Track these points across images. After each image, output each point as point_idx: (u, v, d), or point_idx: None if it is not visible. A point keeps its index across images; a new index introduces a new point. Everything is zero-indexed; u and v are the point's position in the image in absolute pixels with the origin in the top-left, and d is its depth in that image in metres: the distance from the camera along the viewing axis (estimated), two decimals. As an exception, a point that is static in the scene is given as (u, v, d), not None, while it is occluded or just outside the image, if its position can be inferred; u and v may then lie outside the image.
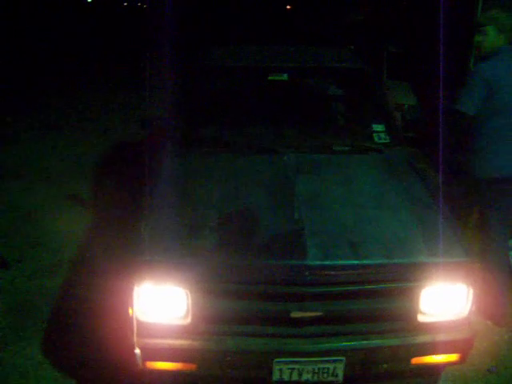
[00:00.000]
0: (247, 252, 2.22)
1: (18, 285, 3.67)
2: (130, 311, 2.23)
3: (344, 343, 2.24)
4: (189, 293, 2.17)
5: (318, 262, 2.16)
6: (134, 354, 2.24)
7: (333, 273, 2.18)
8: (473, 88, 3.11)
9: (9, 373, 2.86)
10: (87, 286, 3.54)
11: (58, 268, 3.86)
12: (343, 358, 2.22)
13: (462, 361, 2.38)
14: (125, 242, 2.62)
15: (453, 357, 2.35)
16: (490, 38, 3.17)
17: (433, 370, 2.51)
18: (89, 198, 5.09)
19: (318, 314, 2.19)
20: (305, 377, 2.24)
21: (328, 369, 2.24)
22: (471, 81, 3.14)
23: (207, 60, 3.75)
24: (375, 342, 2.25)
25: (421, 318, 2.27)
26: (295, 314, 2.18)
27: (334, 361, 2.23)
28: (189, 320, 2.21)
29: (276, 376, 2.23)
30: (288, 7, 24.33)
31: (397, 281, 2.22)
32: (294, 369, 2.23)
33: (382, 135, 3.22)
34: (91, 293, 3.44)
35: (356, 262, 2.19)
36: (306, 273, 2.14)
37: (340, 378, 2.26)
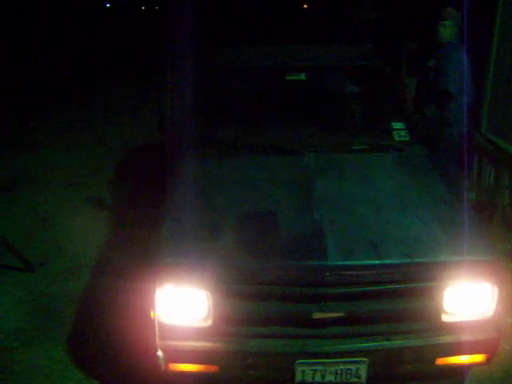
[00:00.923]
0: (267, 253, 2.22)
1: (43, 288, 3.72)
2: (152, 313, 2.24)
3: (367, 344, 2.22)
4: (210, 294, 2.18)
5: (338, 263, 2.15)
6: (157, 356, 2.25)
7: (354, 273, 2.16)
8: None
9: (34, 374, 2.90)
10: (109, 288, 3.57)
11: (80, 271, 3.90)
12: (366, 359, 2.20)
13: (487, 361, 2.34)
14: (145, 244, 2.64)
15: (478, 357, 2.32)
16: (448, 29, 4.15)
17: (458, 371, 2.47)
18: (109, 200, 5.13)
19: (340, 314, 2.17)
20: (328, 378, 2.23)
21: (351, 370, 2.22)
22: None
23: (224, 61, 3.75)
24: (398, 342, 2.22)
25: (445, 318, 2.24)
26: (317, 315, 2.17)
27: (357, 362, 2.21)
28: (210, 322, 2.21)
29: (298, 377, 2.22)
30: (305, 6, 24.27)
31: (419, 280, 2.20)
32: (316, 370, 2.21)
33: (402, 133, 3.18)
34: (113, 295, 3.46)
35: (377, 261, 2.17)
36: (327, 273, 2.12)
37: (363, 379, 2.24)
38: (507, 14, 4.63)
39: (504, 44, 4.69)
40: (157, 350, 2.25)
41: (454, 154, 4.16)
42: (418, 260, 2.19)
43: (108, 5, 28.80)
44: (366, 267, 2.16)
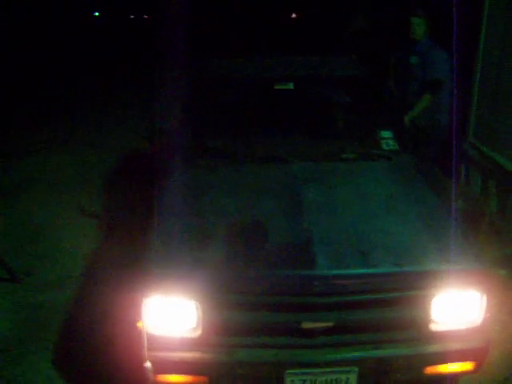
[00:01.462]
0: (257, 263, 2.21)
1: (28, 299, 3.67)
2: (140, 324, 2.22)
3: (356, 353, 2.22)
4: (199, 304, 2.16)
5: (327, 272, 2.14)
6: (145, 368, 2.22)
7: (342, 282, 2.16)
8: None
9: (21, 388, 2.86)
10: (97, 299, 3.53)
11: (67, 281, 3.85)
12: (356, 368, 2.20)
13: (476, 370, 2.34)
14: (134, 255, 2.62)
15: (467, 366, 2.32)
16: (421, 27, 4.45)
17: (447, 380, 2.47)
18: (98, 210, 5.09)
19: (329, 324, 2.17)
20: (317, 388, 2.22)
21: (341, 379, 2.21)
22: None
23: (213, 71, 3.76)
24: (387, 351, 2.23)
25: (433, 327, 2.24)
26: (306, 325, 2.16)
27: (347, 371, 2.20)
28: (199, 332, 2.19)
29: (288, 387, 2.21)
30: (293, 16, 24.41)
31: (408, 289, 2.20)
32: (306, 380, 2.20)
33: (391, 142, 3.20)
34: (101, 306, 3.43)
35: (366, 270, 2.17)
36: (316, 283, 2.12)
37: (353, 388, 2.23)
38: (493, 22, 4.70)
39: (490, 52, 4.76)
40: (145, 362, 2.22)
41: (444, 148, 4.24)
42: (406, 269, 2.19)
43: (97, 14, 28.76)
44: (354, 276, 2.17)
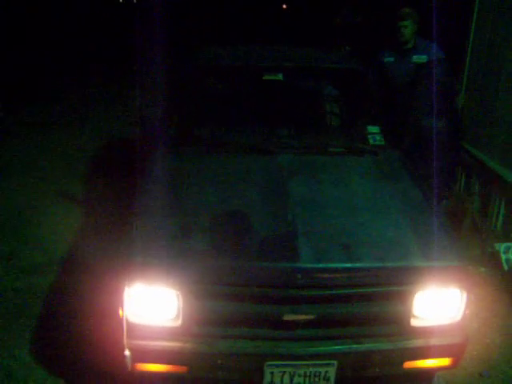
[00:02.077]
0: (239, 254, 2.20)
1: (8, 283, 3.62)
2: (121, 312, 2.20)
3: (336, 347, 2.22)
4: (180, 294, 2.15)
5: (310, 265, 2.14)
6: (124, 356, 2.21)
7: (325, 275, 2.16)
8: None
9: (-3, 373, 2.83)
10: (78, 285, 3.50)
11: (48, 267, 3.81)
12: (335, 362, 2.21)
13: (454, 365, 2.37)
14: (116, 242, 2.59)
15: (445, 361, 2.34)
16: (409, 28, 4.33)
17: (425, 375, 2.50)
18: (81, 196, 5.05)
19: (311, 317, 2.17)
20: (296, 380, 2.22)
21: (320, 372, 2.22)
22: None
23: (201, 59, 3.71)
24: (367, 345, 2.23)
25: (414, 322, 2.25)
26: (287, 317, 2.16)
27: (326, 364, 2.21)
28: (180, 322, 2.18)
29: (267, 379, 2.21)
30: (284, 7, 24.28)
31: (390, 284, 2.21)
32: (285, 372, 2.21)
33: (377, 137, 3.20)
34: (82, 293, 3.40)
35: (349, 264, 2.17)
36: (299, 275, 2.11)
37: (332, 381, 2.24)
38: (481, 28, 4.73)
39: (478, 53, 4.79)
40: (124, 350, 2.20)
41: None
42: (389, 264, 2.20)
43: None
44: (337, 270, 2.17)
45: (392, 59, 4.48)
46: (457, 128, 4.31)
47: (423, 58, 4.36)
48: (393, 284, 2.20)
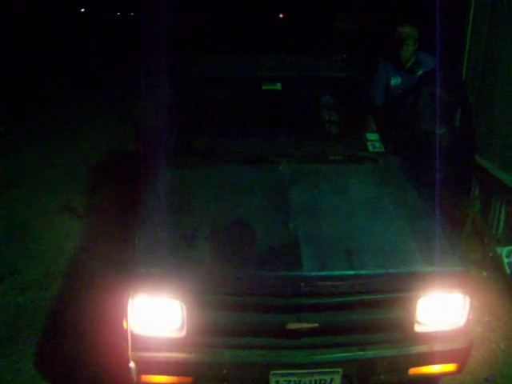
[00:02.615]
0: (242, 263, 2.21)
1: (11, 297, 3.63)
2: (125, 324, 2.21)
3: (341, 354, 2.22)
4: (183, 305, 2.15)
5: (313, 273, 2.15)
6: (129, 368, 2.21)
7: (328, 283, 2.16)
8: None
9: (1, 388, 2.83)
10: (82, 298, 3.50)
11: (51, 280, 3.82)
12: (340, 370, 2.21)
13: (459, 370, 2.36)
14: (119, 254, 2.60)
15: (450, 366, 2.34)
16: (410, 48, 4.17)
17: (430, 380, 2.50)
18: (83, 208, 5.06)
19: (315, 325, 2.17)
20: (301, 388, 2.22)
21: (325, 380, 2.21)
22: None
23: (200, 70, 3.74)
24: (372, 352, 2.23)
25: (417, 328, 2.25)
26: (291, 326, 2.16)
27: (331, 372, 2.21)
28: (184, 332, 2.18)
29: (273, 388, 2.21)
30: (281, 16, 24.43)
31: (393, 291, 2.21)
32: (290, 381, 2.20)
33: (377, 144, 3.22)
34: (86, 305, 3.40)
35: (351, 272, 2.18)
36: (302, 284, 2.12)
37: (337, 389, 2.24)
38: (477, 34, 4.76)
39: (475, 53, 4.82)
40: (129, 362, 2.21)
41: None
42: (391, 271, 2.20)
43: (82, 10, 28.45)
44: (340, 278, 2.17)
45: (399, 80, 4.31)
46: (467, 138, 4.18)
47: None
48: (396, 290, 2.20)
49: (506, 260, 3.93)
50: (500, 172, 4.30)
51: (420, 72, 4.20)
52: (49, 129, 7.84)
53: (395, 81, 4.33)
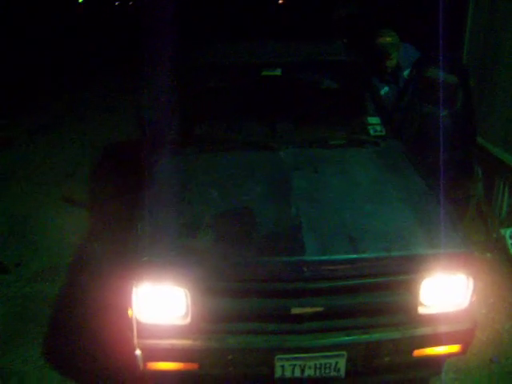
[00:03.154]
0: (245, 249, 2.21)
1: (17, 289, 3.66)
2: (130, 312, 2.22)
3: (345, 338, 2.23)
4: (188, 292, 2.16)
5: (316, 258, 2.15)
6: (135, 356, 2.23)
7: (331, 267, 2.17)
8: None
9: (9, 379, 2.85)
10: (87, 288, 3.53)
11: (56, 271, 3.84)
12: (345, 353, 2.22)
13: (463, 352, 2.37)
14: (123, 243, 2.61)
15: (454, 348, 2.35)
16: (395, 58, 3.99)
17: (435, 362, 2.50)
18: (86, 199, 5.07)
19: (319, 309, 2.18)
20: (307, 372, 2.24)
21: (330, 364, 2.23)
22: None
23: (200, 57, 3.73)
24: (376, 335, 2.24)
25: (421, 310, 2.26)
26: (295, 310, 2.17)
27: (336, 356, 2.22)
28: (189, 319, 2.20)
29: (278, 373, 2.23)
30: (280, 1, 24.21)
31: (396, 273, 2.21)
32: (295, 365, 2.22)
33: (378, 128, 3.21)
34: (91, 295, 3.42)
35: (354, 256, 2.18)
36: (305, 268, 2.13)
37: (342, 372, 2.25)
38: (478, 14, 4.71)
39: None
40: (135, 349, 2.22)
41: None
42: (394, 253, 2.20)
43: (80, 0, 28.24)
44: (343, 261, 2.17)
45: (387, 89, 4.12)
46: (468, 120, 4.14)
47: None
48: (399, 273, 2.20)
49: (509, 241, 3.92)
50: (503, 153, 4.28)
51: (406, 72, 3.99)
52: (50, 122, 7.83)
53: (384, 90, 4.13)
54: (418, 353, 2.30)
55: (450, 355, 2.45)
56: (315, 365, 2.22)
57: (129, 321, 2.24)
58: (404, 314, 2.26)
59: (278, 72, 3.43)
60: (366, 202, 2.53)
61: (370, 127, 3.22)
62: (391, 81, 4.12)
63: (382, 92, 4.09)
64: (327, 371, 2.24)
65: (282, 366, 2.22)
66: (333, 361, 2.22)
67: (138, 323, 2.21)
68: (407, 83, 3.70)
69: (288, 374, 2.23)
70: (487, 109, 4.53)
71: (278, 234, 2.27)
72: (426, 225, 2.35)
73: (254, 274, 2.16)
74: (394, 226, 2.35)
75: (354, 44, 4.55)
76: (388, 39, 3.97)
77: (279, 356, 2.20)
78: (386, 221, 2.38)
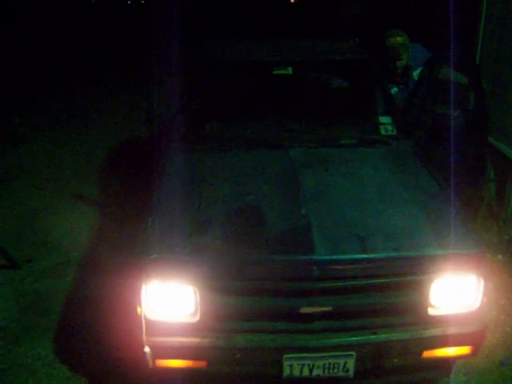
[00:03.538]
0: (254, 248, 2.21)
1: (28, 285, 3.68)
2: (139, 310, 2.23)
3: (354, 338, 2.23)
4: (197, 290, 2.16)
5: (325, 257, 2.15)
6: (144, 353, 2.23)
7: (341, 267, 2.16)
8: None
9: (20, 372, 2.88)
10: (96, 285, 3.54)
11: (66, 267, 3.87)
12: (353, 353, 2.21)
13: (474, 353, 2.35)
14: (132, 241, 2.62)
15: (465, 349, 2.33)
16: (405, 58, 4.00)
17: (445, 363, 2.49)
18: (96, 196, 5.10)
19: (327, 308, 2.18)
20: (315, 372, 2.23)
21: (338, 364, 2.22)
22: None
23: (211, 55, 3.72)
24: (385, 336, 2.23)
25: (431, 311, 2.25)
26: (304, 310, 2.17)
27: (345, 356, 2.21)
28: (197, 317, 2.20)
29: (286, 372, 2.22)
30: (292, 0, 24.15)
31: (406, 274, 2.20)
32: (304, 364, 2.21)
33: (389, 127, 3.19)
34: (100, 292, 3.44)
35: (364, 255, 2.17)
36: (314, 268, 2.12)
37: (351, 372, 2.24)
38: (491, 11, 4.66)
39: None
40: (144, 347, 2.23)
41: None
42: (404, 254, 2.19)
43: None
44: (352, 261, 2.17)
45: (396, 89, 4.12)
46: (481, 120, 4.09)
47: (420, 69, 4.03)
48: (409, 273, 2.19)
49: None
50: (515, 154, 4.23)
51: (416, 72, 4.00)
52: (61, 118, 7.87)
53: (393, 91, 4.10)
54: (427, 354, 2.28)
55: (459, 357, 2.43)
56: (324, 364, 2.22)
57: (138, 318, 2.24)
58: (414, 314, 2.25)
59: (289, 71, 3.42)
60: (376, 201, 2.51)
61: (381, 127, 3.20)
62: (401, 82, 4.11)
63: (392, 93, 4.09)
64: (336, 371, 2.23)
65: (291, 366, 2.21)
66: (342, 361, 2.21)
67: (147, 321, 2.22)
68: (418, 83, 3.67)
69: (296, 373, 2.23)
70: (500, 109, 4.48)
71: (287, 233, 2.27)
72: (436, 225, 2.34)
73: (263, 273, 2.16)
74: (405, 226, 2.34)
75: (364, 43, 4.52)
76: (398, 39, 3.97)
77: (287, 355, 2.19)
78: (396, 221, 2.37)
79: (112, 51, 13.41)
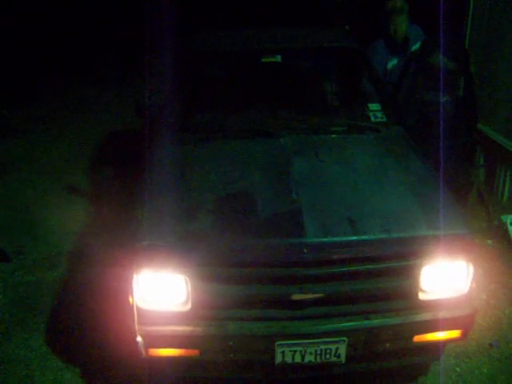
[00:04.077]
0: (245, 233, 2.21)
1: (19, 277, 3.67)
2: (131, 299, 2.23)
3: (345, 324, 2.24)
4: (188, 278, 2.16)
5: (316, 239, 2.15)
6: (136, 342, 2.24)
7: (332, 250, 2.16)
8: None
9: (13, 365, 2.88)
10: (88, 276, 3.54)
11: (58, 259, 3.85)
12: (345, 339, 2.22)
13: (463, 337, 2.38)
14: (123, 230, 2.62)
15: (455, 333, 2.36)
16: (404, 24, 4.13)
17: (435, 347, 2.51)
18: (86, 188, 5.07)
19: (319, 295, 2.18)
20: (307, 358, 2.25)
21: (330, 350, 2.23)
22: None
23: (200, 45, 3.70)
24: (377, 321, 2.24)
25: (422, 296, 2.26)
26: (296, 297, 2.17)
27: (336, 341, 2.23)
28: (189, 306, 2.20)
29: (279, 359, 2.24)
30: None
31: (397, 257, 2.21)
32: (296, 351, 2.23)
33: (379, 114, 3.19)
34: (92, 282, 3.44)
35: (355, 237, 2.18)
36: (305, 250, 2.12)
37: (342, 358, 2.26)
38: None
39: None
40: (136, 336, 2.23)
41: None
42: (395, 235, 2.20)
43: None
44: (343, 243, 2.17)
45: (395, 61, 4.21)
46: (470, 106, 4.10)
47: (417, 45, 4.13)
48: (400, 256, 2.20)
49: (510, 228, 3.92)
50: (504, 140, 4.26)
51: (413, 48, 4.10)
52: (50, 111, 7.80)
53: (392, 63, 4.22)
54: (418, 338, 2.30)
55: (450, 341, 2.47)
56: (316, 351, 2.23)
57: (130, 308, 2.24)
58: (404, 299, 2.27)
59: (278, 59, 3.40)
60: (366, 185, 2.52)
61: (370, 113, 3.20)
62: (401, 53, 4.16)
63: (390, 65, 4.16)
64: (328, 357, 2.25)
65: (283, 352, 2.22)
66: (333, 346, 2.23)
67: (139, 310, 2.22)
68: (408, 61, 3.71)
69: (288, 359, 2.24)
70: (489, 95, 4.50)
71: (278, 218, 2.27)
72: (426, 207, 2.35)
73: (254, 258, 2.16)
74: (395, 209, 2.35)
75: (357, 29, 4.50)
76: (398, 3, 4.11)
77: (279, 342, 2.20)
78: (386, 204, 2.38)
79: (103, 42, 13.26)
